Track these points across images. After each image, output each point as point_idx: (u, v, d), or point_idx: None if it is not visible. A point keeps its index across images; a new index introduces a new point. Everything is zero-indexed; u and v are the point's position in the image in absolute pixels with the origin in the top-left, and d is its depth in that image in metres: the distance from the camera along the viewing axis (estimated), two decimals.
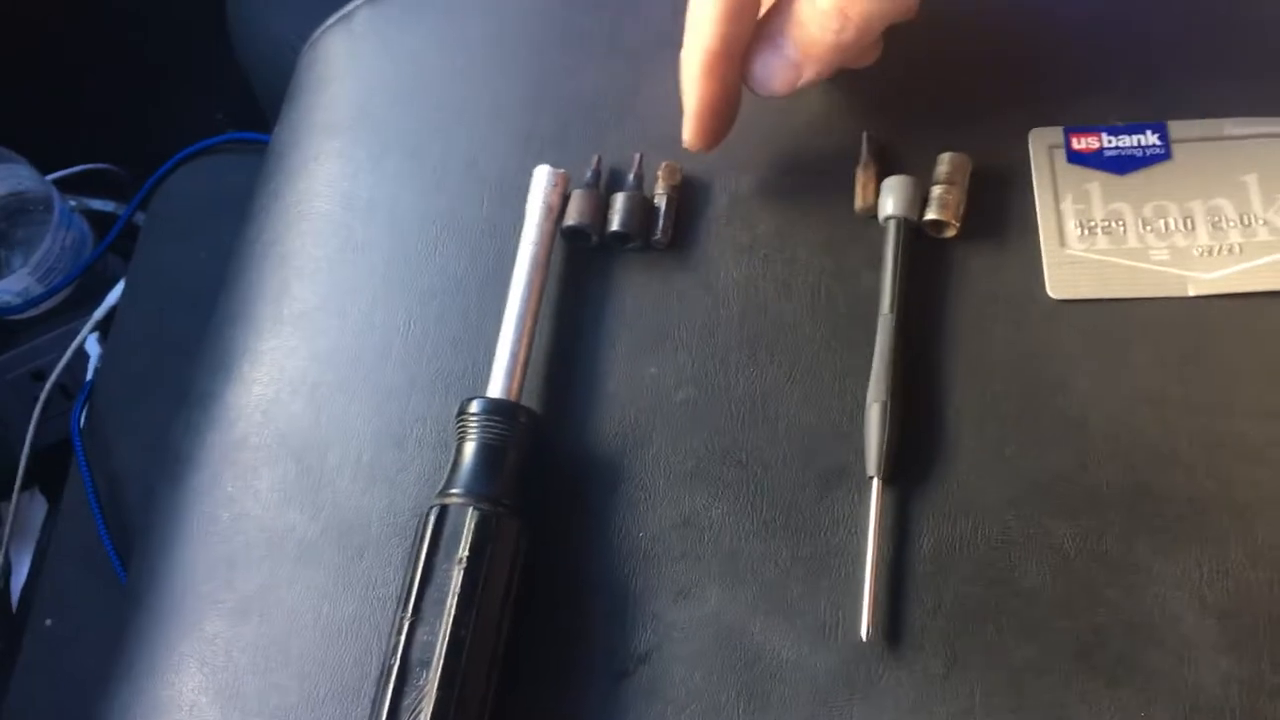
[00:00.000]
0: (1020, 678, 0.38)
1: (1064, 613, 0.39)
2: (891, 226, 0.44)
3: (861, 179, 0.46)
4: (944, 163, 0.45)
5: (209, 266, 0.75)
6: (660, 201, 0.46)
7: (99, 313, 0.81)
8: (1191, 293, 0.43)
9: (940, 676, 0.38)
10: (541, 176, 0.46)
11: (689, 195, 0.47)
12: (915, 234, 0.45)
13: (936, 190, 0.45)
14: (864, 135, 0.46)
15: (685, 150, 0.45)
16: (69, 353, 0.80)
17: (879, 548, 0.40)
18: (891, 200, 0.44)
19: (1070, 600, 0.39)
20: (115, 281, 0.82)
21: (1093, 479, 0.40)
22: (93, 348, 0.81)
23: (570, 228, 0.46)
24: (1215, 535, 0.39)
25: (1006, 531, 0.40)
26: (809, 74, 0.42)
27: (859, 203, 0.45)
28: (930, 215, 0.44)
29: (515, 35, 0.52)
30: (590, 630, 0.40)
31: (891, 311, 0.43)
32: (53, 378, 0.80)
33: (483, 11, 0.54)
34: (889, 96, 0.48)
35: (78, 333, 0.81)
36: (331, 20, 0.56)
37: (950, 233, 0.45)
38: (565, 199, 0.46)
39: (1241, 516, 0.39)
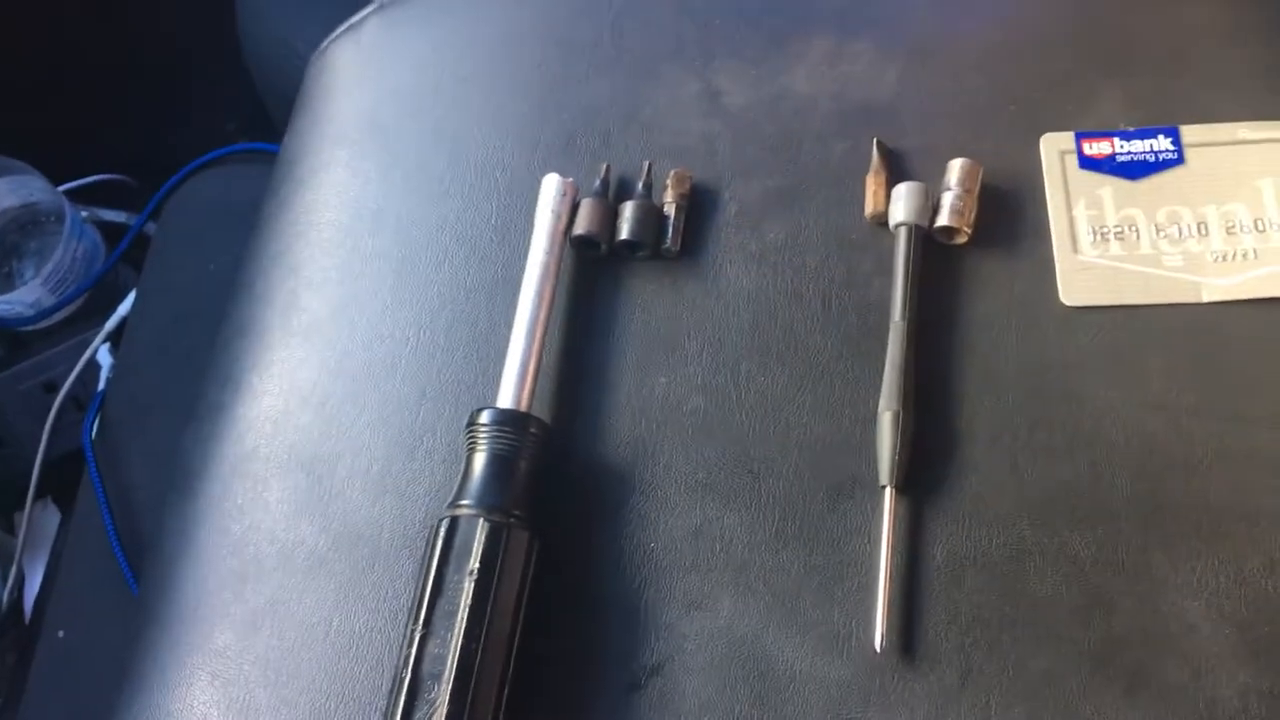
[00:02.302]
0: (1036, 688, 0.38)
1: (1080, 623, 0.38)
2: (902, 234, 0.44)
3: (872, 185, 0.45)
4: (954, 169, 0.45)
5: (220, 276, 0.75)
6: (669, 210, 0.46)
7: (111, 323, 0.81)
8: (1206, 299, 0.43)
9: (955, 687, 0.38)
10: (550, 186, 0.46)
11: (698, 203, 0.47)
12: (926, 241, 0.44)
13: (947, 197, 0.44)
14: (874, 141, 0.46)
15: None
16: (81, 364, 0.80)
17: (892, 558, 0.39)
18: (902, 207, 0.44)
19: (1086, 610, 0.38)
20: (127, 292, 0.82)
21: (1107, 488, 0.40)
22: (104, 358, 0.81)
23: (579, 237, 0.46)
24: (1232, 544, 0.39)
25: (1021, 541, 0.40)
26: None
27: (869, 209, 0.45)
28: (941, 222, 0.44)
29: (522, 45, 0.52)
30: (601, 641, 0.40)
31: (903, 319, 0.43)
32: (64, 389, 0.80)
33: (489, 21, 0.54)
34: (899, 102, 0.47)
35: (90, 343, 0.81)
36: (340, 30, 0.56)
37: (961, 239, 0.44)
38: (574, 208, 0.46)
39: (1258, 524, 0.39)
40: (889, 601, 0.39)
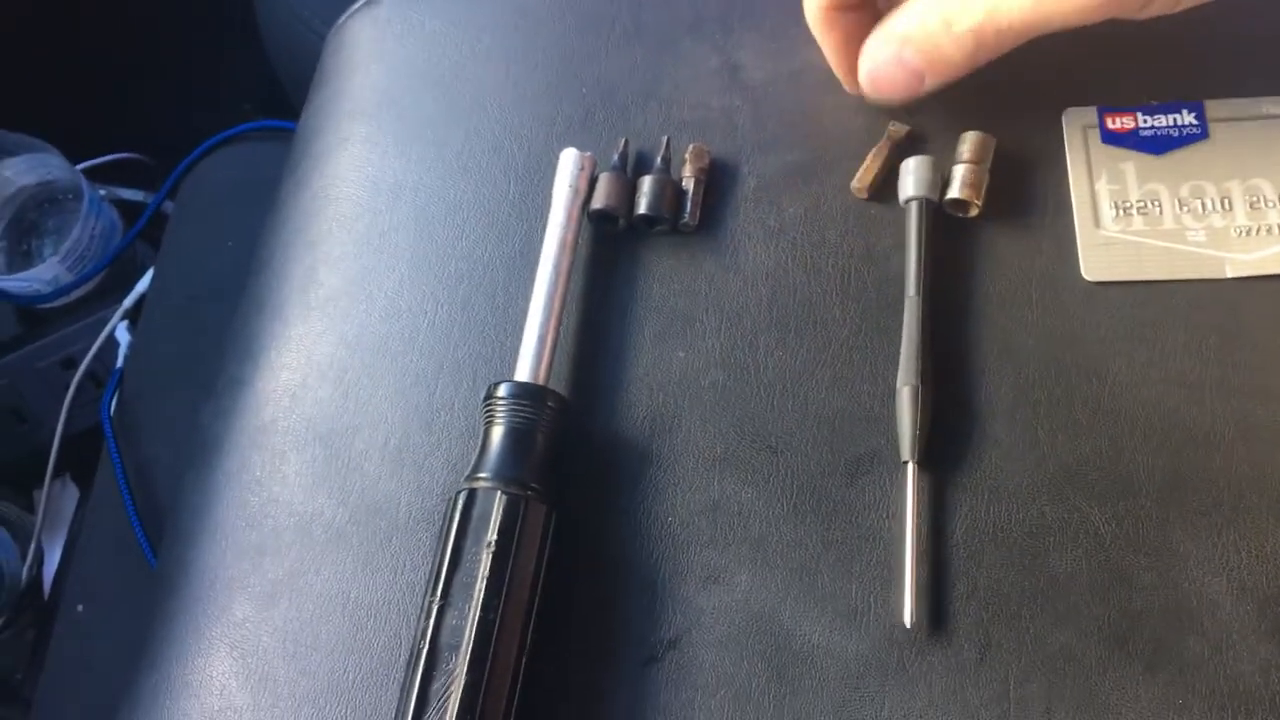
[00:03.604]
0: (1055, 664, 0.37)
1: (1099, 599, 0.38)
2: (913, 208, 0.44)
3: (868, 160, 0.45)
4: (966, 141, 0.44)
5: (237, 254, 0.76)
6: (688, 184, 0.46)
7: (128, 301, 0.81)
8: (1229, 274, 0.42)
9: (974, 662, 0.38)
10: (568, 160, 0.46)
11: (717, 178, 0.47)
12: (943, 216, 0.44)
13: (959, 170, 0.44)
14: (889, 124, 0.46)
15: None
16: (99, 341, 0.81)
17: (917, 533, 0.39)
18: (911, 181, 0.44)
19: (1106, 586, 0.38)
20: (145, 269, 0.82)
21: (1128, 463, 0.40)
22: (122, 335, 0.81)
23: (597, 211, 0.46)
24: (1253, 520, 0.39)
25: (1041, 516, 0.39)
26: (931, 84, 0.42)
27: (855, 182, 0.45)
28: (952, 195, 0.44)
29: (539, 18, 0.52)
30: (619, 615, 0.40)
31: (917, 294, 0.42)
32: (83, 366, 0.81)
33: None
34: None
35: (108, 321, 0.81)
36: (357, 5, 0.56)
37: (974, 212, 0.44)
38: (592, 182, 0.46)
39: None
40: (917, 577, 0.39)
